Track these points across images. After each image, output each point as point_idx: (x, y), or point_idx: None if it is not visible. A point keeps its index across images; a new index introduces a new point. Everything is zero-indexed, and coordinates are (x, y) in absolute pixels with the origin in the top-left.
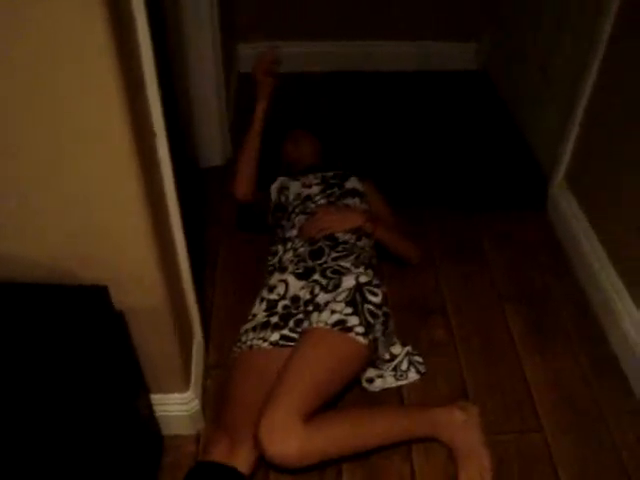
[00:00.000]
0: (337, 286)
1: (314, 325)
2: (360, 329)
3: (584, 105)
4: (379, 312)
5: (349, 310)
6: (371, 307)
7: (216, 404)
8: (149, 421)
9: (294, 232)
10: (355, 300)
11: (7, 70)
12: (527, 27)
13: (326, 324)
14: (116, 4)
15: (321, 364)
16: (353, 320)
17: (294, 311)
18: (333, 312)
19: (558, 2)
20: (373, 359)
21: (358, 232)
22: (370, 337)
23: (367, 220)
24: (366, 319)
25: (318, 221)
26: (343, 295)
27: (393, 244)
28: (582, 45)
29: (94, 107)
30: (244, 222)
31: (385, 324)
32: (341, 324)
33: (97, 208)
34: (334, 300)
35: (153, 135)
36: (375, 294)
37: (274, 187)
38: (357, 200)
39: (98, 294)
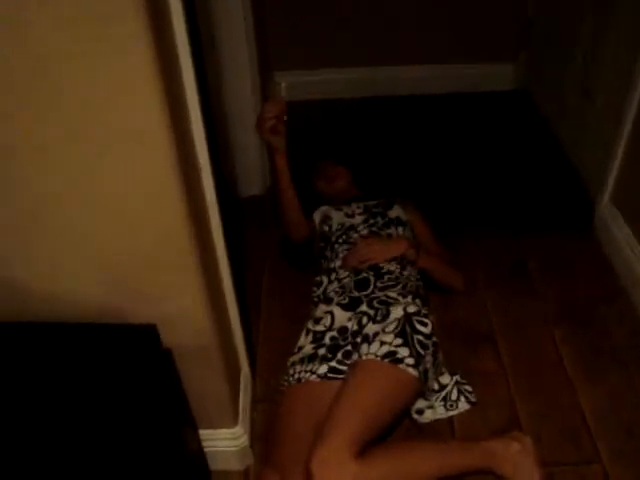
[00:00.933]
0: (385, 317)
1: (363, 357)
2: (410, 360)
3: (630, 121)
4: (429, 342)
5: (399, 341)
6: (421, 337)
7: (264, 439)
8: (198, 456)
9: (338, 263)
10: (405, 331)
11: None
12: (565, 43)
13: (376, 356)
14: (163, 46)
15: (372, 397)
16: (403, 352)
17: (342, 342)
18: (383, 343)
19: (596, 16)
20: (422, 390)
21: (402, 261)
22: (420, 368)
23: (410, 247)
24: (416, 350)
25: (360, 251)
26: (392, 326)
27: (437, 271)
28: (625, 61)
29: (144, 141)
30: (293, 257)
31: (434, 354)
32: (391, 356)
33: (146, 248)
34: (383, 331)
35: (199, 170)
36: (424, 324)
37: (317, 215)
38: (400, 229)
39: (147, 333)
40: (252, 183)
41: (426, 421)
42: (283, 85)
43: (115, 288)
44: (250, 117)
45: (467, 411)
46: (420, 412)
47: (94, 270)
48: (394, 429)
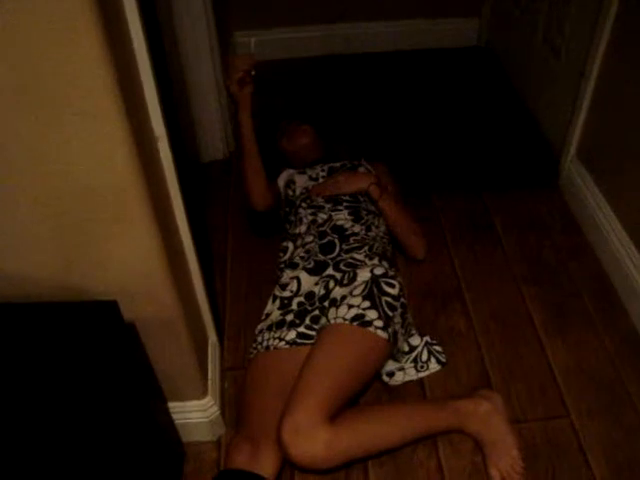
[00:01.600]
0: (352, 279)
1: (332, 321)
2: (379, 323)
3: (595, 75)
4: (397, 304)
5: (367, 304)
6: (389, 299)
7: (235, 408)
8: (169, 429)
9: (303, 228)
10: (372, 293)
11: None
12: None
13: (344, 319)
14: (107, 6)
15: (342, 361)
16: (371, 314)
17: (309, 307)
18: (350, 307)
19: None
20: (392, 352)
21: (366, 222)
22: (389, 330)
23: (374, 183)
24: (384, 312)
25: (325, 183)
26: (360, 289)
27: (398, 222)
28: (590, 13)
29: (95, 114)
30: (259, 226)
31: (403, 315)
32: (360, 319)
33: (101, 219)
34: (350, 294)
35: (155, 139)
36: (392, 285)
37: (281, 179)
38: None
39: (108, 308)
40: (214, 148)
41: (397, 383)
42: (253, 40)
43: (72, 264)
44: (210, 80)
45: (438, 371)
46: (390, 374)
47: (49, 246)
48: (365, 392)
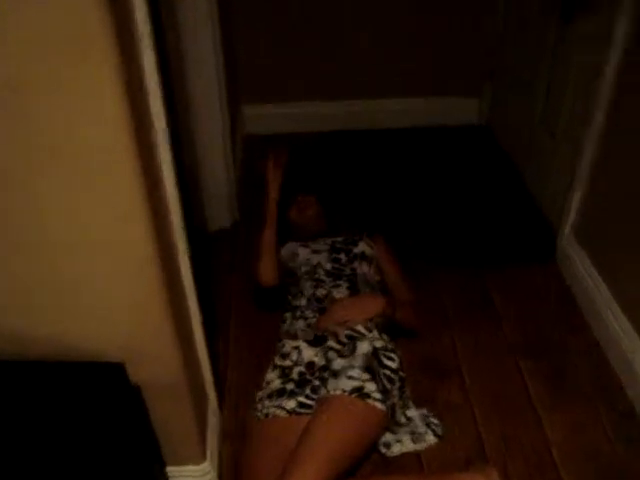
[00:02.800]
0: (352, 351)
1: (331, 392)
2: (377, 395)
3: (589, 158)
4: (395, 377)
5: (366, 376)
6: (388, 372)
7: (233, 474)
8: None
9: (303, 301)
10: (372, 366)
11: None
12: (527, 82)
13: (344, 391)
14: (128, 71)
15: (339, 433)
16: (370, 386)
17: (309, 377)
18: (350, 378)
19: (554, 53)
20: (389, 424)
21: (360, 291)
22: (388, 403)
23: (387, 305)
24: (383, 385)
25: (337, 313)
26: (359, 361)
27: (406, 320)
28: (582, 95)
29: (110, 177)
30: (265, 302)
31: (401, 389)
32: (359, 391)
33: (111, 285)
34: (350, 366)
35: (166, 201)
36: (391, 359)
37: (284, 251)
38: (365, 265)
39: (115, 370)
40: (221, 216)
41: (394, 454)
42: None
43: (81, 326)
44: (219, 151)
45: (434, 444)
46: (387, 445)
47: (62, 310)
48: (362, 463)
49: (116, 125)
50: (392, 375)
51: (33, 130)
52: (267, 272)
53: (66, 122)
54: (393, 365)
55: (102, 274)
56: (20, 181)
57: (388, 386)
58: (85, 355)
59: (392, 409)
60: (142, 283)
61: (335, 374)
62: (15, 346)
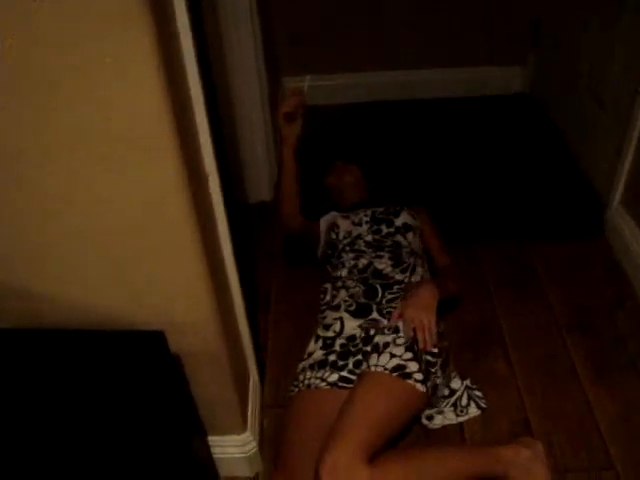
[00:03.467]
0: (396, 329)
1: (372, 368)
2: (419, 376)
3: (639, 126)
4: (437, 360)
5: (409, 355)
6: (429, 357)
7: (274, 445)
8: (206, 463)
9: (344, 272)
10: (414, 346)
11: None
12: (573, 46)
13: (385, 369)
14: (167, 48)
15: (380, 409)
16: (412, 366)
17: (352, 349)
18: (392, 356)
19: (602, 19)
20: (430, 402)
21: (408, 268)
22: (429, 384)
23: (438, 294)
24: (425, 365)
25: (413, 326)
26: (402, 339)
27: (452, 292)
28: (633, 63)
29: (149, 150)
30: (292, 255)
31: (444, 368)
32: (400, 369)
33: (152, 254)
34: (394, 342)
35: (206, 176)
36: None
37: (324, 220)
38: (410, 235)
39: (154, 339)
40: (261, 189)
41: (436, 427)
42: (308, 78)
43: (124, 295)
44: (259, 123)
45: (477, 416)
46: (430, 418)
47: (103, 277)
48: (404, 435)
49: (154, 103)
50: (433, 359)
51: (70, 113)
52: (288, 216)
53: (103, 102)
54: (434, 349)
55: (145, 252)
56: (66, 167)
57: (430, 368)
58: (126, 324)
59: (434, 389)
60: (183, 256)
61: (377, 349)
62: (61, 315)
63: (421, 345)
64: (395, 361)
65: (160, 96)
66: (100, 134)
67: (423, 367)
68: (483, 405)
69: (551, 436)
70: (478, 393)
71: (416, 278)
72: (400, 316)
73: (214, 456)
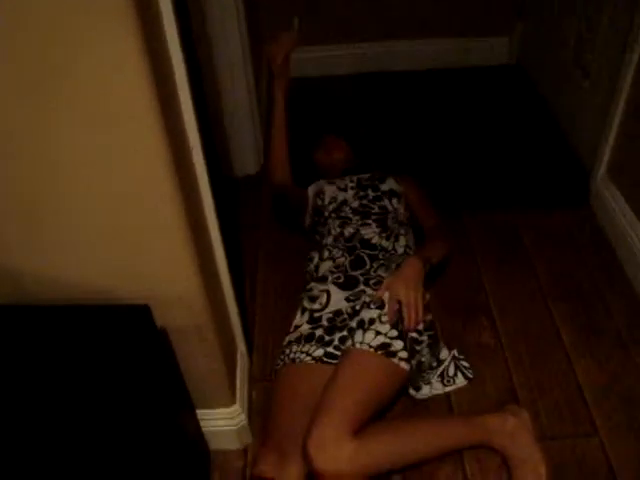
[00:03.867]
0: (382, 305)
1: (357, 345)
2: (403, 354)
3: (625, 96)
4: (423, 337)
5: (394, 333)
6: (414, 335)
7: (262, 417)
8: (196, 437)
9: (330, 239)
10: (400, 324)
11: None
12: (559, 16)
13: (370, 346)
14: (146, 16)
15: (365, 384)
16: (397, 344)
17: (339, 324)
18: (378, 334)
19: None
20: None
21: (392, 234)
22: (413, 362)
23: (423, 266)
24: (410, 343)
25: (398, 304)
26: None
27: (441, 256)
28: (619, 32)
29: (132, 123)
30: (281, 213)
31: (431, 346)
32: (385, 348)
33: (136, 226)
34: (379, 319)
35: (190, 149)
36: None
37: (312, 188)
38: (395, 201)
39: (140, 313)
40: (247, 163)
41: (423, 397)
42: (296, 19)
43: (107, 269)
44: (243, 97)
45: (465, 386)
46: (417, 388)
47: (86, 251)
48: (391, 405)
49: (136, 74)
50: (419, 337)
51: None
52: (277, 169)
53: (87, 73)
54: (420, 326)
55: (129, 224)
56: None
57: (415, 346)
58: (111, 298)
59: (419, 366)
60: (167, 228)
61: (363, 325)
62: (45, 289)
63: (407, 323)
64: (380, 339)
65: (142, 69)
66: (85, 110)
67: (408, 345)
68: (470, 375)
69: (537, 404)
70: (465, 363)
71: (399, 246)
72: (386, 290)
73: (203, 430)
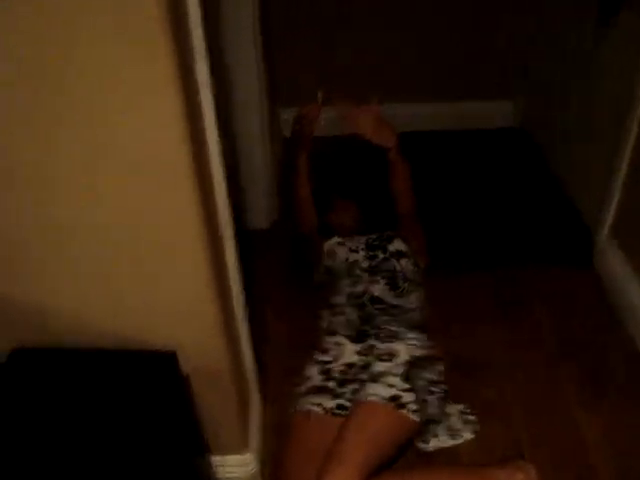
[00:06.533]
0: (392, 357)
1: (369, 398)
2: (413, 406)
3: (627, 160)
4: (435, 388)
5: (405, 386)
6: (425, 384)
7: (273, 466)
8: None
9: (341, 299)
10: (410, 375)
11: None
12: (562, 84)
13: (382, 398)
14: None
15: (376, 434)
16: (407, 397)
17: (350, 378)
18: (389, 386)
19: (590, 55)
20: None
21: (403, 292)
22: (422, 415)
23: (396, 149)
24: (421, 395)
25: (359, 115)
26: (399, 369)
27: (407, 191)
28: (622, 92)
29: (165, 171)
30: (299, 263)
31: (442, 399)
32: (396, 400)
33: (164, 274)
34: (390, 372)
35: (215, 202)
36: (429, 370)
37: (327, 245)
38: (404, 261)
39: (167, 359)
40: (259, 217)
41: (430, 449)
42: (320, 93)
43: (136, 316)
44: (258, 152)
45: (471, 440)
46: (425, 441)
47: (112, 297)
48: (399, 457)
49: (171, 119)
50: (430, 387)
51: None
52: (306, 214)
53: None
54: (430, 377)
55: (159, 273)
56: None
57: (426, 397)
58: (139, 344)
59: (427, 419)
60: (195, 276)
61: (374, 378)
62: (74, 335)
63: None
64: (391, 391)
65: (175, 112)
66: (117, 161)
67: (419, 398)
68: (477, 429)
69: (543, 460)
70: (472, 418)
71: (409, 302)
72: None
73: (216, 476)
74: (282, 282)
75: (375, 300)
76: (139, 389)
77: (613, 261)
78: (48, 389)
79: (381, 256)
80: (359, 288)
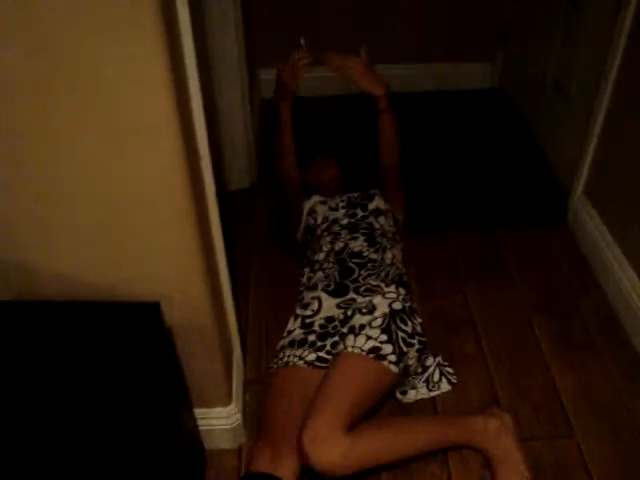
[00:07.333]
0: (372, 310)
1: (349, 349)
2: (393, 357)
3: (602, 119)
4: (413, 340)
5: (384, 337)
6: (404, 335)
7: (255, 418)
8: (193, 435)
9: (321, 255)
10: (390, 328)
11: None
12: (539, 43)
13: (361, 350)
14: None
15: (357, 385)
16: (387, 348)
17: (331, 330)
18: (368, 338)
19: (569, 17)
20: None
21: (380, 246)
22: (401, 365)
23: (386, 97)
24: (399, 347)
25: (348, 61)
26: (378, 321)
27: (395, 141)
28: (597, 55)
29: (152, 127)
30: (281, 215)
31: (421, 351)
32: (376, 351)
33: (153, 229)
34: (369, 325)
35: (199, 157)
36: (407, 322)
37: (306, 204)
38: (382, 219)
39: (150, 310)
40: (240, 177)
41: (410, 401)
42: (302, 39)
43: (119, 267)
44: (238, 114)
45: (448, 391)
46: (404, 392)
47: (99, 250)
48: (379, 408)
49: (157, 84)
50: (409, 339)
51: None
52: (289, 169)
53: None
54: (408, 329)
55: (144, 224)
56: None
57: (404, 349)
58: (123, 295)
59: (406, 369)
60: (180, 229)
61: (354, 331)
62: (58, 286)
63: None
64: (371, 343)
65: (166, 84)
66: (108, 119)
67: (397, 349)
68: (454, 380)
69: (518, 408)
70: (449, 369)
71: (387, 257)
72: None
73: (200, 429)
74: (263, 240)
75: (354, 255)
76: (123, 339)
77: (587, 218)
78: (30, 341)
79: (360, 214)
80: (338, 245)
